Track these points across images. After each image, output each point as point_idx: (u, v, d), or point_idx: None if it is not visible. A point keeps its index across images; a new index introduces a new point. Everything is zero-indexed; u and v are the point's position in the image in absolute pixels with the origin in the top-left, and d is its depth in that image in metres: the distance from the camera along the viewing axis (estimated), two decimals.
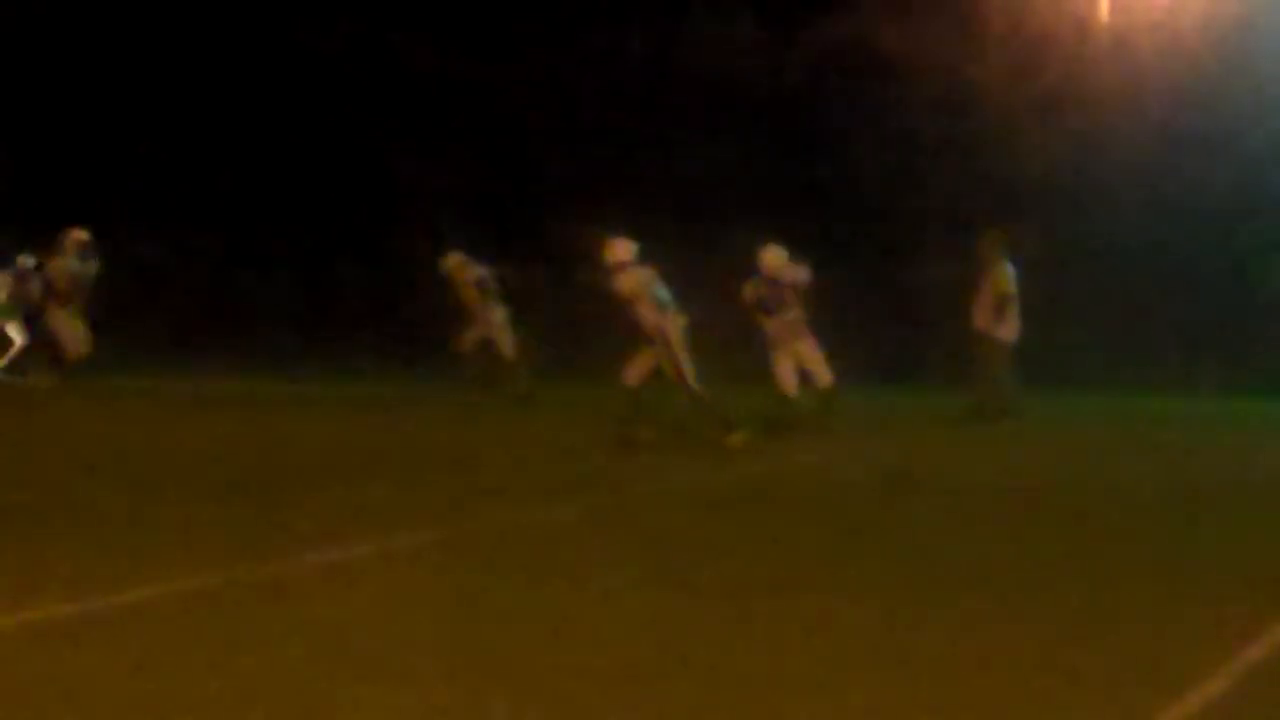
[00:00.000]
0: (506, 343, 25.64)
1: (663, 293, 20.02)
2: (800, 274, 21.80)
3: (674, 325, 19.87)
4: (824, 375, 21.93)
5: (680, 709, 7.41)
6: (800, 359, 21.85)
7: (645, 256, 20.08)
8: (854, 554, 11.83)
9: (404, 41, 35.89)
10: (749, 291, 21.93)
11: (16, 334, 28.37)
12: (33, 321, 27.95)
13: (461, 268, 25.79)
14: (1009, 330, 23.08)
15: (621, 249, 20.15)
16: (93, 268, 26.19)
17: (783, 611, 9.52)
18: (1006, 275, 23.15)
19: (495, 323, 25.65)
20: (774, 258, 21.81)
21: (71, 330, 26.12)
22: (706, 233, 26.58)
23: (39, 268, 26.82)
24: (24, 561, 10.66)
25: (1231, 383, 28.99)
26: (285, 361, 30.41)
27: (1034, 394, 23.87)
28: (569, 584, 10.30)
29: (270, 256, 34.94)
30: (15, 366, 28.23)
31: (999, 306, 23.00)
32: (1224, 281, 31.94)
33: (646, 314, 19.90)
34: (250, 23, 36.23)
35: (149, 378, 28.10)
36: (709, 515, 13.85)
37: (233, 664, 8.02)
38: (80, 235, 26.02)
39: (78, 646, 8.33)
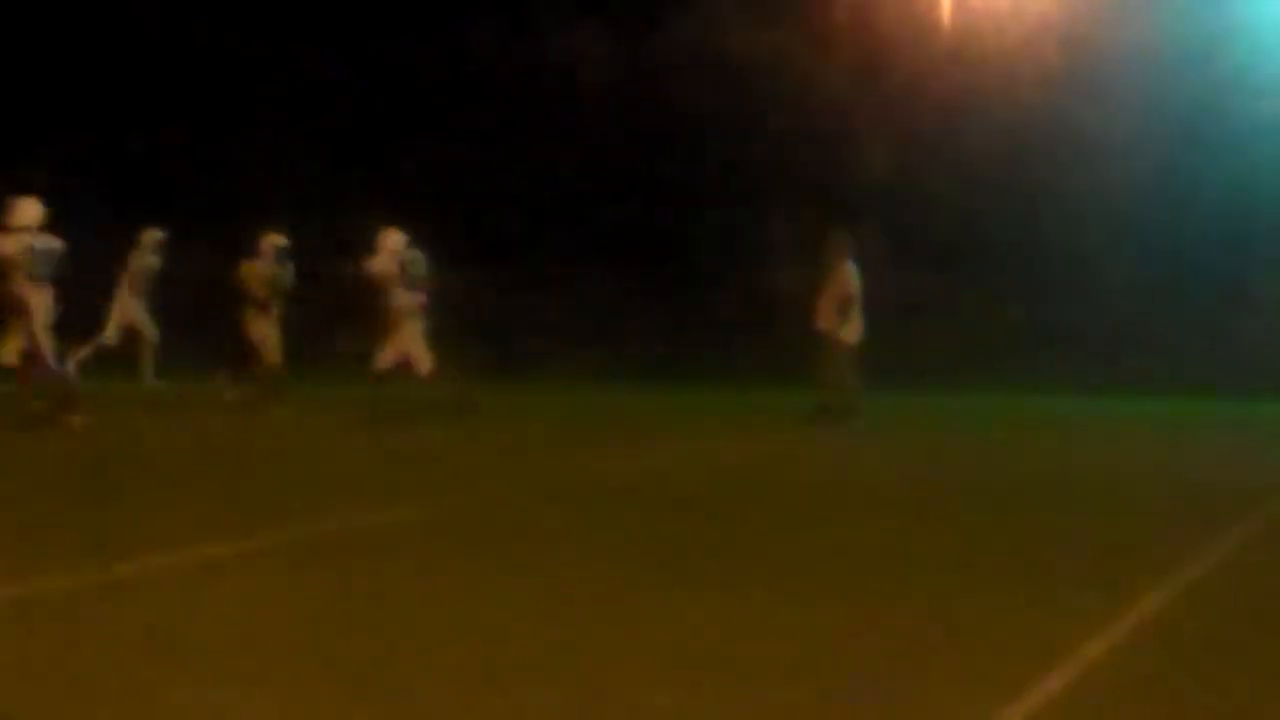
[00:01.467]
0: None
1: (46, 264, 20.08)
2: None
3: (40, 298, 19.91)
4: (425, 363, 22.21)
5: (531, 710, 7.36)
6: (413, 341, 22.15)
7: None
8: (699, 553, 11.82)
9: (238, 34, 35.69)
10: (383, 264, 22.25)
11: (146, 326, 27.40)
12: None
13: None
14: (853, 331, 23.20)
15: (29, 211, 20.21)
16: (289, 272, 24.93)
17: (625, 611, 9.50)
18: (850, 276, 23.27)
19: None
20: (399, 238, 22.34)
21: (273, 338, 24.66)
22: (550, 231, 26.58)
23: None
24: None
25: (1075, 381, 29.33)
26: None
27: (878, 394, 24.03)
28: (418, 585, 10.23)
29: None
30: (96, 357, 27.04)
31: (843, 307, 23.12)
32: (1068, 281, 32.33)
33: (19, 283, 19.91)
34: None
35: None
36: (559, 515, 13.81)
37: (73, 666, 7.89)
38: (277, 239, 24.89)
39: None
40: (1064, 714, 7.52)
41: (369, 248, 22.41)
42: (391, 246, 22.31)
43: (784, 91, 33.27)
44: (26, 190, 20.71)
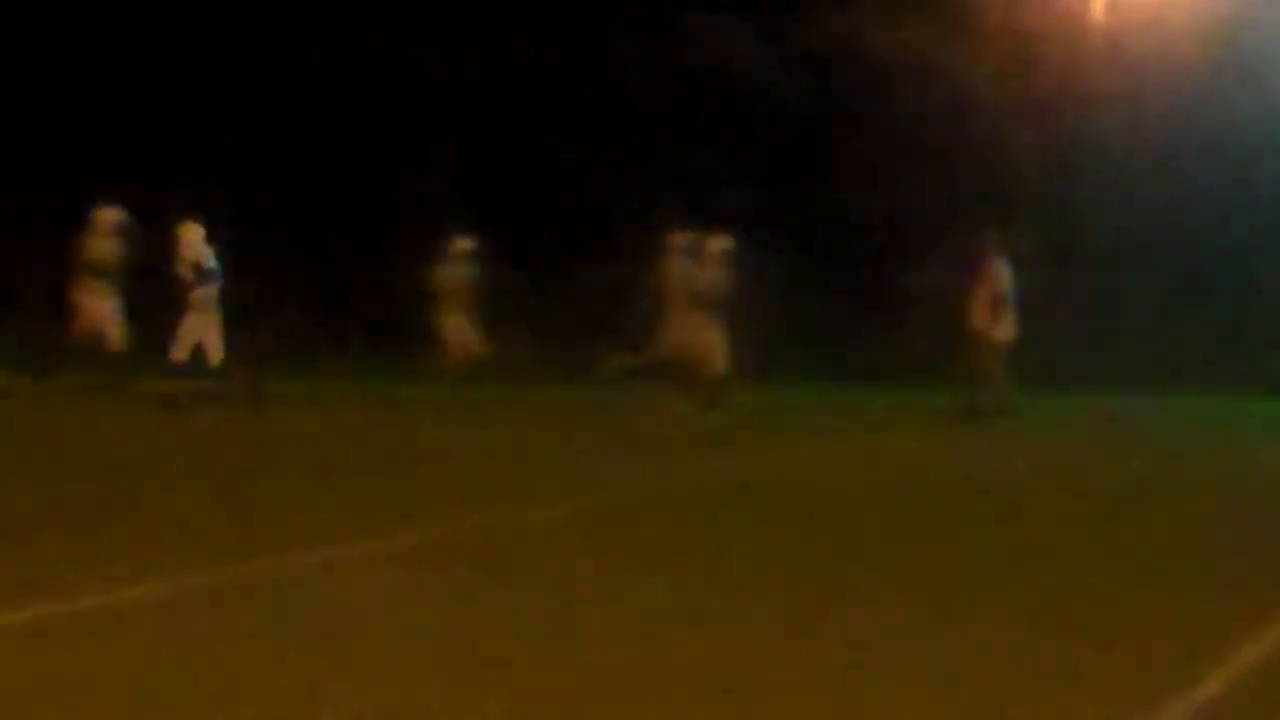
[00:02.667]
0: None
1: None
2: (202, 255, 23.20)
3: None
4: (215, 354, 22.78)
5: (673, 712, 7.35)
6: (205, 332, 22.77)
7: None
8: (845, 554, 11.77)
9: (392, 39, 35.95)
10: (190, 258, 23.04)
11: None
12: None
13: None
14: (1004, 330, 23.10)
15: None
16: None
17: (774, 612, 9.48)
18: (1002, 275, 23.18)
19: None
20: (195, 233, 23.18)
21: (718, 345, 23.70)
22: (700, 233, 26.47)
23: None
24: (15, 562, 10.57)
25: (1225, 381, 29.00)
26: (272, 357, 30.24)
27: (1028, 393, 23.87)
28: (560, 585, 10.24)
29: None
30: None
31: (994, 307, 23.03)
32: (1220, 280, 31.98)
33: None
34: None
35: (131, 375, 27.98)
36: (701, 515, 13.79)
37: (226, 662, 7.95)
38: (687, 238, 24.07)
39: (69, 646, 8.26)
40: (1222, 717, 7.45)
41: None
42: (188, 240, 23.10)
43: (934, 90, 33.10)
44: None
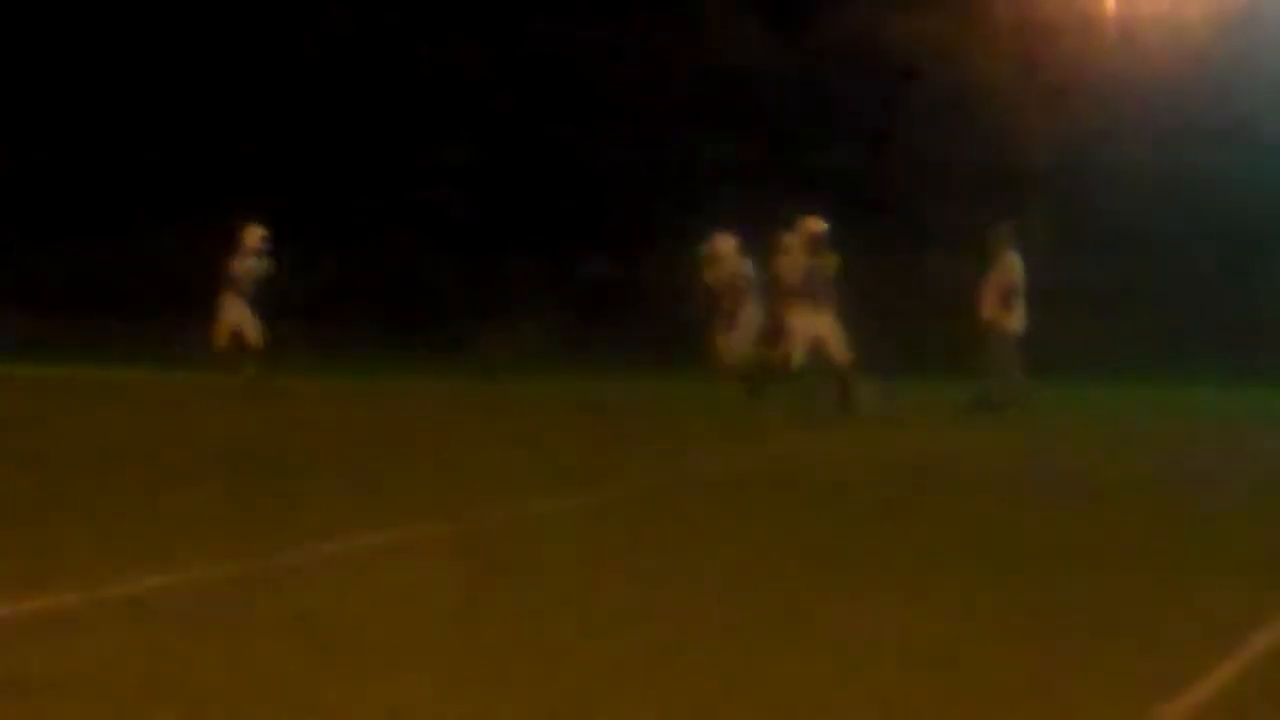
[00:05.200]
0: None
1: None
2: None
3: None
4: None
5: (683, 706, 7.36)
6: None
7: None
8: (857, 546, 11.77)
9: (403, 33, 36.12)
10: None
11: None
12: None
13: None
14: (1017, 320, 23.10)
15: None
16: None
17: (787, 604, 9.49)
18: (1014, 266, 23.18)
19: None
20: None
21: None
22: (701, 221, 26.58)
23: None
24: (30, 550, 10.63)
25: (1237, 372, 28.97)
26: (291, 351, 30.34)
27: (1041, 383, 23.85)
28: (577, 577, 10.26)
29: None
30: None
31: (1007, 297, 23.03)
32: (1231, 271, 31.96)
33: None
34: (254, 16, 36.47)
35: (155, 368, 28.08)
36: (721, 506, 13.79)
37: (238, 655, 7.97)
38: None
39: (83, 636, 8.29)
40: (1232, 706, 7.46)
41: None
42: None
43: (946, 82, 33.10)
44: None
